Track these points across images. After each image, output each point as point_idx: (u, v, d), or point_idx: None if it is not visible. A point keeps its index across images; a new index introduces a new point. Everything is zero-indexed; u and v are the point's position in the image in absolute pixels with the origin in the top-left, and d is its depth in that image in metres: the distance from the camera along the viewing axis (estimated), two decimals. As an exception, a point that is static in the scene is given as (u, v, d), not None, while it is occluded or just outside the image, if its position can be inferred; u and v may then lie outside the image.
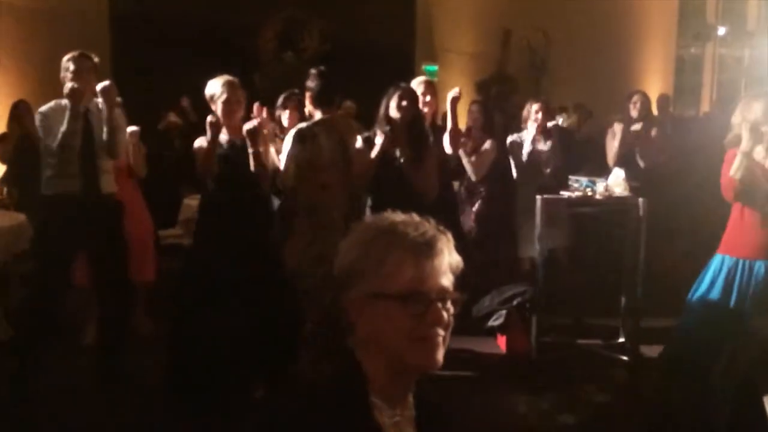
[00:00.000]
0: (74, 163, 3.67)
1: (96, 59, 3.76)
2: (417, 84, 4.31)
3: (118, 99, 4.61)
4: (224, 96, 3.51)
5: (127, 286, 3.97)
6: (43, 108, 3.74)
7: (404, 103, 3.74)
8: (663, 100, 9.33)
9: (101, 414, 3.54)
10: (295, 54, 7.84)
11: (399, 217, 1.25)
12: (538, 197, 4.10)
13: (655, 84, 10.45)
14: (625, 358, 4.17)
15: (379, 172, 3.65)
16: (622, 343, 4.42)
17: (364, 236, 1.23)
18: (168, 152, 6.98)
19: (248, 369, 3.60)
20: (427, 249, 1.20)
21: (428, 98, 4.28)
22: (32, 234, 4.32)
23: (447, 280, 1.22)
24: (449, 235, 1.25)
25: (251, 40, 7.88)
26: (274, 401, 1.27)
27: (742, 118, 3.12)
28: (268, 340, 3.55)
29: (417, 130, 3.81)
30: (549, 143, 4.78)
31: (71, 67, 3.60)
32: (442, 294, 1.21)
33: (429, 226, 1.24)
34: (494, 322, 4.54)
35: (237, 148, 3.57)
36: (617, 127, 5.15)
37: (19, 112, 5.93)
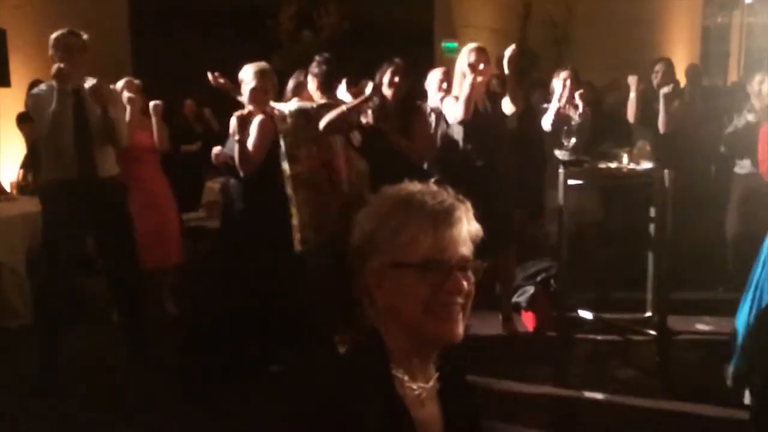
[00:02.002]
0: (68, 147, 3.55)
1: (85, 36, 3.62)
2: (469, 52, 4.04)
3: (137, 82, 4.65)
4: (253, 83, 3.60)
5: (136, 268, 3.89)
6: (34, 90, 3.69)
7: (396, 79, 3.78)
8: (692, 69, 9.12)
9: (121, 393, 3.60)
10: (314, 33, 7.78)
11: (416, 186, 1.22)
12: (561, 170, 4.03)
13: (681, 54, 10.20)
14: (652, 332, 4.10)
15: (372, 142, 3.72)
16: (649, 317, 4.35)
17: (382, 207, 1.20)
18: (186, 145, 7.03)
19: (265, 345, 3.62)
20: (445, 217, 1.17)
21: (482, 66, 3.97)
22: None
23: (467, 249, 1.19)
24: (468, 204, 1.22)
25: (270, 20, 7.83)
26: (295, 376, 1.25)
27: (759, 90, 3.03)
28: (283, 316, 3.60)
29: (408, 104, 3.83)
30: (578, 113, 4.69)
31: (59, 45, 3.50)
32: (462, 262, 1.18)
33: (447, 195, 1.21)
34: (519, 298, 4.50)
35: None
36: (631, 80, 5.04)
37: None
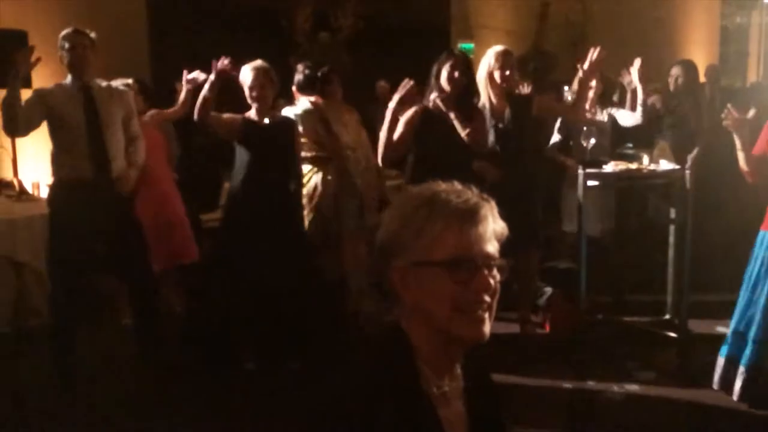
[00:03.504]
0: (81, 146, 3.55)
1: (93, 34, 3.63)
2: (495, 55, 3.99)
3: (129, 81, 4.53)
4: (248, 82, 3.68)
5: (150, 269, 3.91)
6: (41, 88, 3.70)
7: (456, 74, 3.69)
8: (711, 70, 9.04)
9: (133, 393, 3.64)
10: (330, 34, 7.80)
11: (441, 186, 1.22)
12: (580, 171, 4.01)
13: (699, 55, 10.11)
14: (673, 334, 4.07)
15: (428, 129, 3.67)
16: (668, 319, 4.32)
17: (406, 207, 1.20)
18: (202, 138, 7.07)
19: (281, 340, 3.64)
20: (470, 216, 1.17)
21: (507, 72, 3.97)
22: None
23: (492, 247, 1.19)
24: (492, 202, 1.22)
25: (286, 21, 7.85)
26: (320, 372, 1.26)
27: None
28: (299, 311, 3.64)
29: (468, 98, 3.75)
30: (604, 116, 4.68)
31: (66, 44, 3.54)
32: (488, 260, 1.17)
33: (472, 194, 1.21)
34: (538, 299, 4.49)
35: (263, 129, 3.73)
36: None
37: None
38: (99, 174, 3.58)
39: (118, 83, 4.37)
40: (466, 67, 3.70)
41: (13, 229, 4.52)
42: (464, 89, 3.68)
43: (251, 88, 3.68)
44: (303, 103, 4.20)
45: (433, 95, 3.72)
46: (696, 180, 3.92)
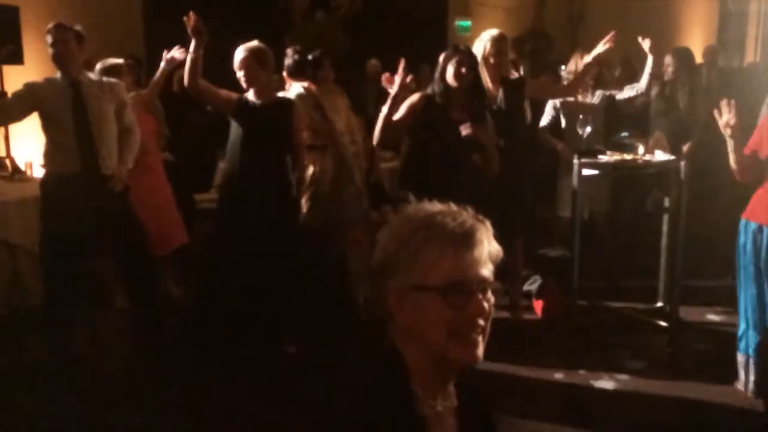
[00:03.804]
0: (70, 140, 3.56)
1: (78, 27, 3.67)
2: (491, 39, 4.00)
3: (119, 61, 4.50)
4: (236, 64, 3.64)
5: (148, 259, 3.94)
6: (31, 81, 3.68)
7: (463, 70, 3.64)
8: (709, 51, 9.00)
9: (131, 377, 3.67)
10: (327, 13, 7.72)
11: (436, 207, 1.22)
12: (576, 161, 4.01)
13: (698, 38, 10.06)
14: (664, 323, 4.10)
15: (429, 117, 3.60)
16: (660, 307, 4.36)
17: (402, 228, 1.20)
18: (197, 115, 7.01)
19: (279, 324, 3.66)
20: (466, 240, 1.17)
21: (502, 56, 4.01)
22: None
23: (487, 270, 1.19)
24: (488, 224, 1.22)
25: (284, 1, 7.76)
26: (316, 396, 1.27)
27: None
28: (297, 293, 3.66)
29: (475, 94, 3.65)
30: (595, 98, 4.66)
31: (49, 39, 3.54)
32: (483, 284, 1.18)
33: (467, 216, 1.21)
34: (530, 285, 4.52)
35: (259, 110, 3.67)
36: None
37: None
38: (87, 170, 3.58)
39: (109, 63, 4.35)
40: (472, 63, 3.60)
41: (6, 211, 4.50)
42: (471, 85, 3.60)
43: (238, 70, 3.65)
44: (295, 88, 4.14)
45: (437, 88, 3.64)
46: (690, 169, 3.93)
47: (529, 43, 8.99)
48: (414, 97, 3.65)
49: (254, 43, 3.73)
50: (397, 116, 3.55)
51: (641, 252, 4.64)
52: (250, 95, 3.73)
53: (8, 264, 4.56)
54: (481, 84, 3.72)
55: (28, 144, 6.06)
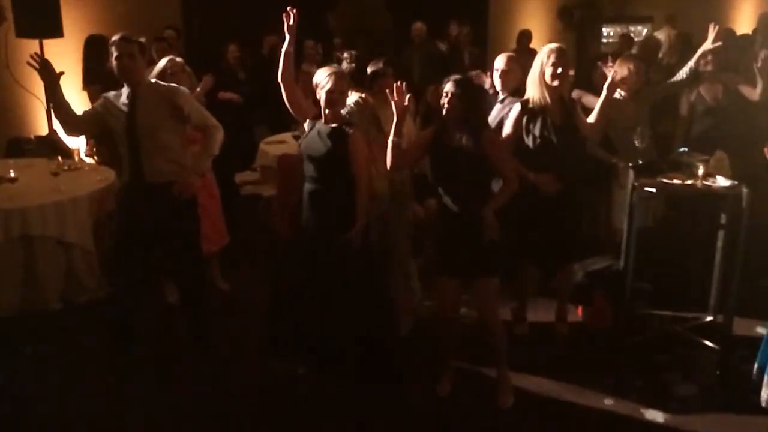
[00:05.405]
0: (124, 151, 3.67)
1: (142, 39, 3.67)
2: (548, 51, 3.85)
3: (179, 60, 4.48)
4: (328, 86, 3.53)
5: (200, 271, 4.03)
6: (109, 94, 3.74)
7: (560, 70, 3.57)
8: (764, 18, 8.63)
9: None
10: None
11: None
12: (632, 178, 3.95)
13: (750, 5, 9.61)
14: (714, 344, 4.09)
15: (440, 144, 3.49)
16: (710, 321, 4.34)
17: None
18: (235, 87, 6.96)
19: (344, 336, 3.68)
20: None
21: (560, 71, 3.82)
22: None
23: None
24: None
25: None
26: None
27: None
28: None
29: (471, 117, 3.42)
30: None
31: (113, 53, 3.57)
32: None
33: None
34: (593, 266, 4.48)
35: (323, 133, 3.58)
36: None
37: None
38: (135, 179, 3.68)
39: (164, 63, 4.37)
40: (461, 93, 3.36)
41: (61, 211, 4.58)
42: (462, 113, 3.38)
43: (329, 92, 3.52)
44: (352, 98, 3.95)
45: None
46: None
47: (577, 12, 8.67)
48: (423, 134, 3.62)
49: (337, 67, 3.72)
50: (405, 144, 3.54)
51: (693, 260, 4.57)
52: (320, 117, 3.63)
53: (64, 261, 4.67)
54: (477, 111, 3.49)
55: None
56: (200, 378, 3.89)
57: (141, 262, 3.86)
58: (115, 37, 3.58)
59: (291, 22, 3.55)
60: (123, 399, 3.71)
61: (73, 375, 3.92)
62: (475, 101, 3.44)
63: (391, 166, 3.55)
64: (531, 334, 4.37)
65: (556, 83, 3.83)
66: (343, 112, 3.76)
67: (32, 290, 4.55)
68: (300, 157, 3.75)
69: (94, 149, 5.73)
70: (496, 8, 9.44)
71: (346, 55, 4.17)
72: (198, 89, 4.70)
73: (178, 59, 4.51)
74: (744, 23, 10.28)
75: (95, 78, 6.10)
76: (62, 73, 3.58)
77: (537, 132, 3.85)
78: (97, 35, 6.43)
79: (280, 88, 3.72)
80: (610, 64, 4.35)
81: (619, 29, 9.19)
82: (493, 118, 4.23)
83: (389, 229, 4.03)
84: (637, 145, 4.22)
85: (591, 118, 4.01)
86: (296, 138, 5.78)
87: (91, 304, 4.72)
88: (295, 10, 3.54)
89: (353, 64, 4.05)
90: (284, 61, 3.63)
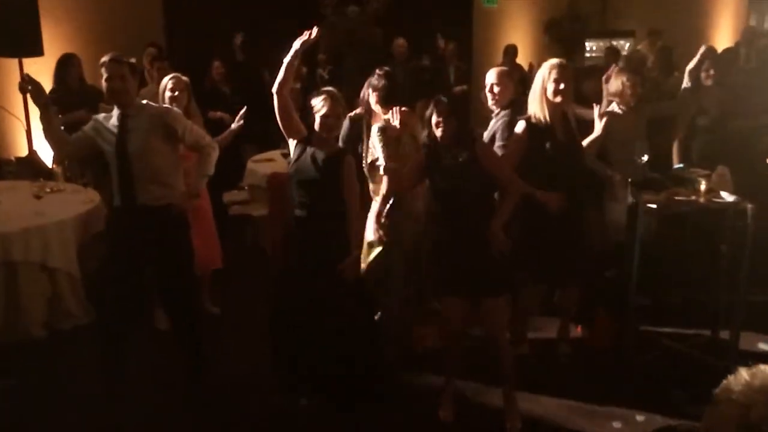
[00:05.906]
0: (114, 174, 3.53)
1: (132, 60, 3.56)
2: (549, 67, 3.75)
3: (185, 78, 4.41)
4: (323, 110, 3.44)
5: (192, 298, 3.89)
6: (98, 116, 3.64)
7: (562, 86, 3.49)
8: (748, 32, 8.72)
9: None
10: (360, 8, 7.43)
11: None
12: (630, 195, 3.89)
13: (731, 11, 9.73)
14: (720, 362, 4.02)
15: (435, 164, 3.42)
16: (716, 337, 4.28)
17: None
18: (223, 104, 6.83)
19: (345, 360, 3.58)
20: None
21: (562, 86, 3.71)
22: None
23: None
24: None
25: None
26: None
27: None
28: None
29: (461, 137, 3.33)
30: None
31: (104, 74, 3.45)
32: None
33: None
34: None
35: (318, 158, 3.49)
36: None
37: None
38: (126, 202, 3.54)
39: (166, 81, 4.35)
40: (449, 111, 3.28)
41: (44, 235, 4.42)
42: (454, 133, 3.30)
43: (324, 116, 3.45)
44: (374, 127, 3.86)
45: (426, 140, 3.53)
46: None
47: (566, 24, 8.67)
48: (417, 156, 3.56)
49: (334, 90, 3.58)
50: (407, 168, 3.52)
51: (692, 275, 4.51)
52: (314, 139, 3.53)
53: (48, 287, 4.50)
54: (467, 125, 3.42)
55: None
56: (192, 406, 3.74)
57: (131, 287, 3.67)
58: (105, 58, 3.45)
59: (310, 38, 3.41)
60: (110, 429, 3.54)
61: (57, 405, 3.76)
62: (466, 116, 3.41)
63: (387, 191, 3.47)
64: (533, 353, 4.27)
65: (558, 99, 3.73)
66: (373, 144, 3.67)
67: (14, 317, 4.38)
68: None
69: (67, 174, 5.54)
70: (480, 22, 9.45)
71: (379, 71, 3.98)
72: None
73: (184, 78, 4.43)
74: (723, 37, 10.40)
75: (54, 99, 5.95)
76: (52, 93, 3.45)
77: (542, 150, 3.75)
78: (65, 54, 6.29)
79: (264, 98, 3.61)
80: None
81: (602, 43, 9.27)
82: (486, 133, 4.17)
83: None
84: (636, 161, 4.15)
85: (586, 142, 4.08)
86: (285, 156, 5.67)
87: (76, 330, 4.56)
88: (316, 29, 3.42)
89: (384, 81, 3.90)
90: (285, 72, 3.46)
